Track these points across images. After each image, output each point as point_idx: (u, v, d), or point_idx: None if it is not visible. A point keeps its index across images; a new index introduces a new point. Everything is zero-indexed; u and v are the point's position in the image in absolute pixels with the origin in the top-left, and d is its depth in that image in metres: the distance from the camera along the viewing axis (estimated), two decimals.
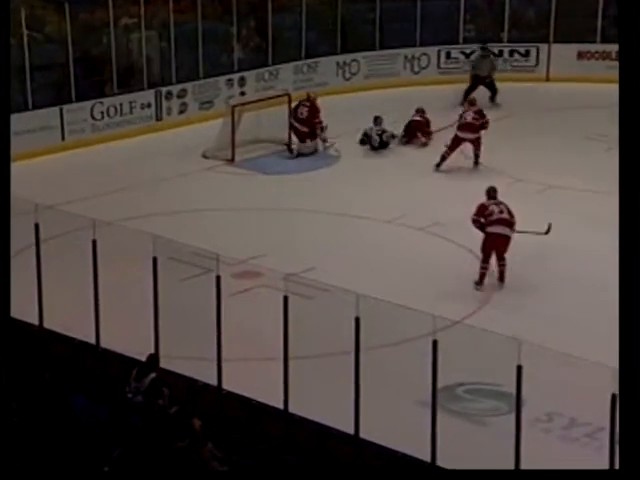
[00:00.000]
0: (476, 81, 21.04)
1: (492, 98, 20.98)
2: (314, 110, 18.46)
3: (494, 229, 13.53)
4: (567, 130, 19.43)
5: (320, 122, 18.47)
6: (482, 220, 13.58)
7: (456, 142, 17.53)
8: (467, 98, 19.15)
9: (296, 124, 18.40)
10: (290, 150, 18.38)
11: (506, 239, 13.54)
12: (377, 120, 18.76)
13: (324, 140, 18.59)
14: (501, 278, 13.55)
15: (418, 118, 19.00)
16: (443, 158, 17.57)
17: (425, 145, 18.89)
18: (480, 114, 17.62)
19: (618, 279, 6.79)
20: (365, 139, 18.69)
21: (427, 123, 19.11)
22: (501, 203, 13.80)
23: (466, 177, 17.35)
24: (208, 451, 8.59)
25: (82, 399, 9.63)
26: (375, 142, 18.56)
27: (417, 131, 19.00)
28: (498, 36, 22.73)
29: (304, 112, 18.42)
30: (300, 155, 18.36)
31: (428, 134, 18.96)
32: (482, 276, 13.46)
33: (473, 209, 13.85)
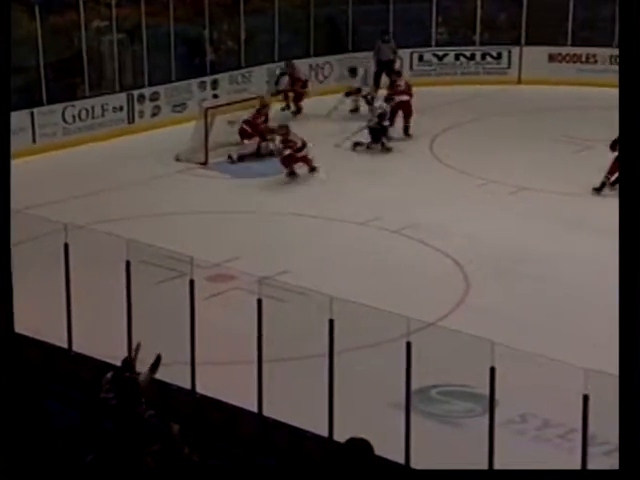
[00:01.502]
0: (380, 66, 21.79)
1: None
2: (260, 114, 18.46)
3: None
4: (538, 132, 19.52)
5: (264, 125, 18.46)
6: None
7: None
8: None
9: (242, 124, 18.36)
10: (229, 157, 18.18)
11: None
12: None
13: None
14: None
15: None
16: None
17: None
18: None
19: (613, 281, 6.85)
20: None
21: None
22: None
23: (437, 180, 17.41)
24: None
25: (55, 403, 9.57)
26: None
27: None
28: (470, 39, 22.81)
29: (251, 115, 18.39)
30: (241, 159, 18.16)
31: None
32: None
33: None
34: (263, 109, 18.56)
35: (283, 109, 20.54)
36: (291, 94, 20.66)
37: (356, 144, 18.57)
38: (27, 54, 18.83)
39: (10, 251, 6.11)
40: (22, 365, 10.51)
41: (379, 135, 18.50)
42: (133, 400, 9.56)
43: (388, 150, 18.54)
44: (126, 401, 9.56)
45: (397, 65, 21.50)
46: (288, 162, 17.17)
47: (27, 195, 16.03)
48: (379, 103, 18.88)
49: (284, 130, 17.41)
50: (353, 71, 20.28)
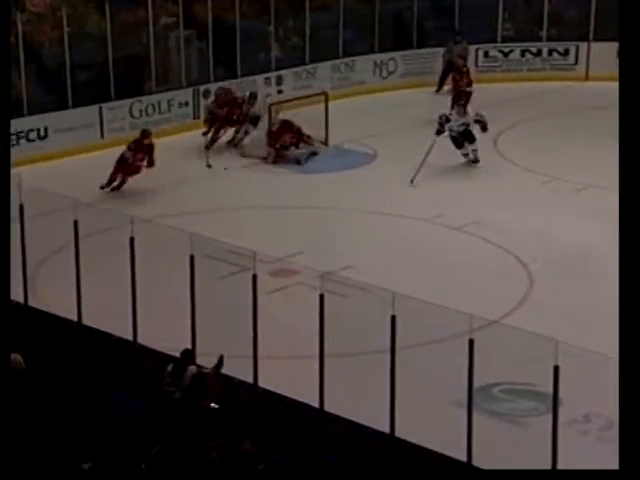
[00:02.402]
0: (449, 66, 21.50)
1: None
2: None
3: None
4: (605, 130, 19.23)
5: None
6: None
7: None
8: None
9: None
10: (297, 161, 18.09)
11: None
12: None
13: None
14: None
15: None
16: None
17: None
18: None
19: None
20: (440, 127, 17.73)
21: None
22: None
23: (501, 177, 17.29)
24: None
25: (120, 395, 9.69)
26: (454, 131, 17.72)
27: None
28: (537, 35, 22.57)
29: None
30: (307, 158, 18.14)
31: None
32: None
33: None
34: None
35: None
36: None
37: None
38: (96, 50, 19.06)
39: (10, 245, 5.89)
40: (88, 357, 10.69)
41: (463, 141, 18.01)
42: (198, 393, 9.63)
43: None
44: (190, 394, 9.63)
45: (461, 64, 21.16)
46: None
47: (95, 189, 16.32)
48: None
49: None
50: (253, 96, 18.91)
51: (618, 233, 6.40)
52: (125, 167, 16.60)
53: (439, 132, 17.43)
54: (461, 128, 17.54)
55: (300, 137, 18.18)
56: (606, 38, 22.02)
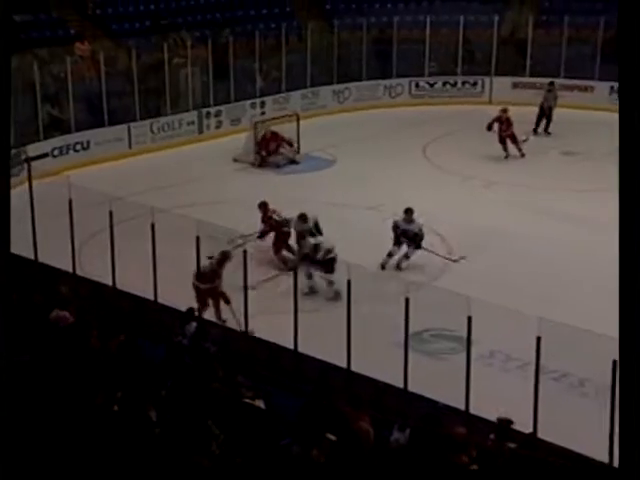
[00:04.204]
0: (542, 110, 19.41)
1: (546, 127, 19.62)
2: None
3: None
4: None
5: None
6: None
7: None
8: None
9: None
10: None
11: None
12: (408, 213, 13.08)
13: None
14: None
15: None
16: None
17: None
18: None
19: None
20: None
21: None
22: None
23: (428, 176, 17.25)
24: (241, 383, 8.42)
25: (145, 341, 9.57)
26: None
27: None
28: (454, 70, 22.55)
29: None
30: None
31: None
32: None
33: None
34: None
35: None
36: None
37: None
38: (125, 83, 18.93)
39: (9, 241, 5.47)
40: (121, 313, 10.55)
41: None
42: (201, 340, 9.53)
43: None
44: (195, 341, 9.54)
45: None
46: None
47: (124, 187, 16.10)
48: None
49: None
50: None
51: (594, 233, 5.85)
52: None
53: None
54: (411, 233, 12.96)
55: (283, 142, 17.96)
56: (503, 74, 22.14)
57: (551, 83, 19.76)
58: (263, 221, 13.01)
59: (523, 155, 17.81)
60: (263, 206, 13.17)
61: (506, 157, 17.81)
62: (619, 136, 5.08)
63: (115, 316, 10.20)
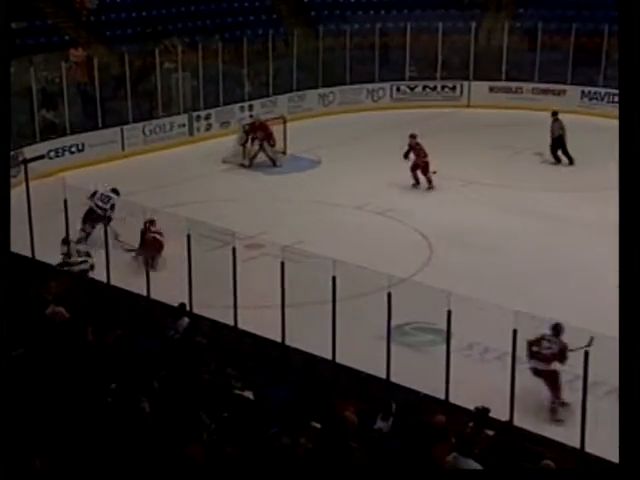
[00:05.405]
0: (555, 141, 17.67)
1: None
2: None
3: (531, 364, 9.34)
4: (481, 142, 19.34)
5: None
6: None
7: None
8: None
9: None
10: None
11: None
12: None
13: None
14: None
15: None
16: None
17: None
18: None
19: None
20: None
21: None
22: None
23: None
24: (230, 375, 8.41)
25: (140, 336, 9.52)
26: None
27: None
28: (433, 75, 22.57)
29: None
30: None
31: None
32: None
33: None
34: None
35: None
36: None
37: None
38: (118, 88, 18.82)
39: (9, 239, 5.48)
40: (116, 307, 10.49)
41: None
42: (192, 334, 9.50)
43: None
44: (187, 336, 9.50)
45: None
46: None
47: (118, 187, 15.91)
48: None
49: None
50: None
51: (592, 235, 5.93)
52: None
53: None
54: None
55: (269, 138, 17.66)
56: (480, 78, 22.18)
57: (555, 113, 17.79)
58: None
59: (431, 188, 16.07)
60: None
61: (414, 185, 16.20)
62: (619, 138, 4.89)
63: (110, 311, 10.15)
